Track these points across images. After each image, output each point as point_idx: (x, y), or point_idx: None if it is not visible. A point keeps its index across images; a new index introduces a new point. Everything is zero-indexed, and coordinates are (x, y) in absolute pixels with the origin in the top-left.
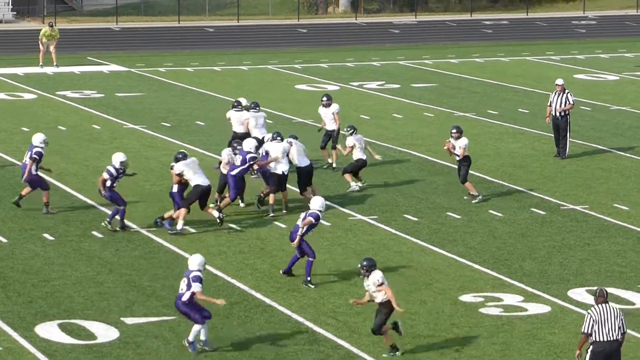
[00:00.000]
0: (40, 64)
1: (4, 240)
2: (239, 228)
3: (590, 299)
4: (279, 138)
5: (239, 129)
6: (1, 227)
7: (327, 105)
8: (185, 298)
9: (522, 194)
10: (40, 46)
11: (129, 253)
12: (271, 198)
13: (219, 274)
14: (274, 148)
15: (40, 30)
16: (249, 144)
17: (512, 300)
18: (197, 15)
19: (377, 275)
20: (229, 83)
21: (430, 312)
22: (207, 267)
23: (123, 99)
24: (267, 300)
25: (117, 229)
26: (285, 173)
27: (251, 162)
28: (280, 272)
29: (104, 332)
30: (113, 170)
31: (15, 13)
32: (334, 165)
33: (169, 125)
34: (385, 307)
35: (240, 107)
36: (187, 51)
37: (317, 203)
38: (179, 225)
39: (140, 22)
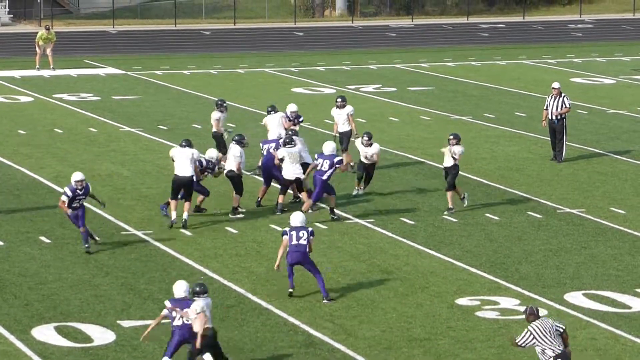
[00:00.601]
0: (37, 66)
1: (0, 243)
2: (235, 231)
3: (587, 303)
4: (292, 138)
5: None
6: None
7: (342, 107)
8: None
9: (518, 198)
10: (37, 49)
11: (125, 256)
12: (280, 198)
13: (215, 277)
14: (287, 152)
15: (37, 33)
16: (329, 147)
17: (509, 303)
18: (193, 18)
19: (199, 304)
20: (226, 86)
21: (426, 315)
22: (204, 269)
23: (120, 101)
24: (263, 304)
25: (96, 239)
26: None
27: (337, 165)
28: (324, 301)
29: (100, 335)
30: (69, 192)
31: (12, 16)
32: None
33: (165, 128)
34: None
35: (222, 107)
36: (184, 54)
37: (300, 219)
38: (172, 215)
39: (137, 25)
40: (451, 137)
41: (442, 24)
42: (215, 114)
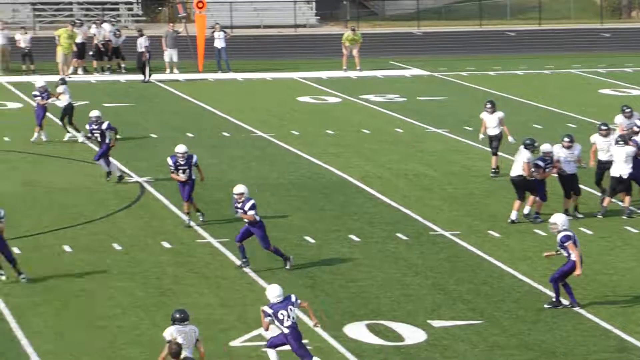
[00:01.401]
0: (344, 67)
1: (312, 240)
2: (544, 234)
3: None
4: (621, 142)
5: (492, 131)
6: (309, 227)
7: (492, 112)
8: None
9: None
10: (344, 50)
11: (434, 256)
12: (626, 200)
13: (524, 280)
14: (616, 152)
15: (343, 34)
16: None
17: None
18: (498, 19)
19: (169, 330)
20: (531, 87)
21: None
22: (513, 272)
23: (425, 102)
24: (575, 307)
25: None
26: (625, 176)
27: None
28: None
29: (411, 334)
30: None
31: (318, 17)
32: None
33: (471, 129)
34: None
35: (492, 108)
36: (489, 55)
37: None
38: (512, 215)
39: (442, 26)
40: None
41: None
42: (481, 114)
